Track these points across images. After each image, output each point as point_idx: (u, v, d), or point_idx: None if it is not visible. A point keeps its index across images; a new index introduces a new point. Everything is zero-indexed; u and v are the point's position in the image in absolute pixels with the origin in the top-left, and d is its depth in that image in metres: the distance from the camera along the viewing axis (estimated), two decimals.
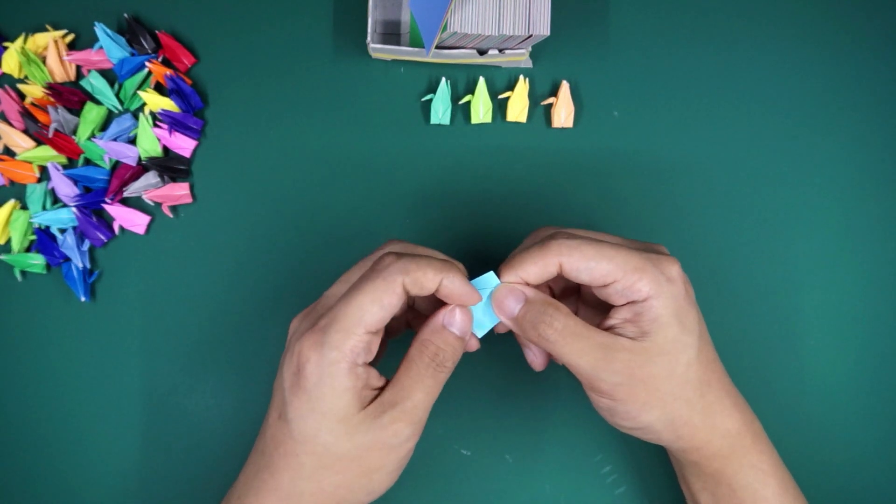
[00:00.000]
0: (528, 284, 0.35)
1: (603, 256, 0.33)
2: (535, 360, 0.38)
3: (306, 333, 0.33)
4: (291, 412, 0.32)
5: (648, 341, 0.34)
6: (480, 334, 0.36)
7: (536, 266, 0.34)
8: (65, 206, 0.45)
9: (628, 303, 0.34)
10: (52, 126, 0.44)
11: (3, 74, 0.45)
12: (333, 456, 0.32)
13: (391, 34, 0.45)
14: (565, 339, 0.34)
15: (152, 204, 0.45)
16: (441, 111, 0.45)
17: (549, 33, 0.39)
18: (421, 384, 0.34)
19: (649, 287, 0.33)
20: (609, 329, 0.35)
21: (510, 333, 0.37)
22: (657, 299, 0.33)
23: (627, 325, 0.34)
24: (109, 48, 0.44)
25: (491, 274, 0.35)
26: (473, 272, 0.44)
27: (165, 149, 0.45)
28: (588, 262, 0.33)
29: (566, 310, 0.35)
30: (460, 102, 0.46)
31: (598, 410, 0.37)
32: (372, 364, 0.34)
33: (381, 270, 0.33)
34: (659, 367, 0.34)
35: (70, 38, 0.45)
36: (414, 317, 0.39)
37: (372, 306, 0.32)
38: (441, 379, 0.34)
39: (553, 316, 0.34)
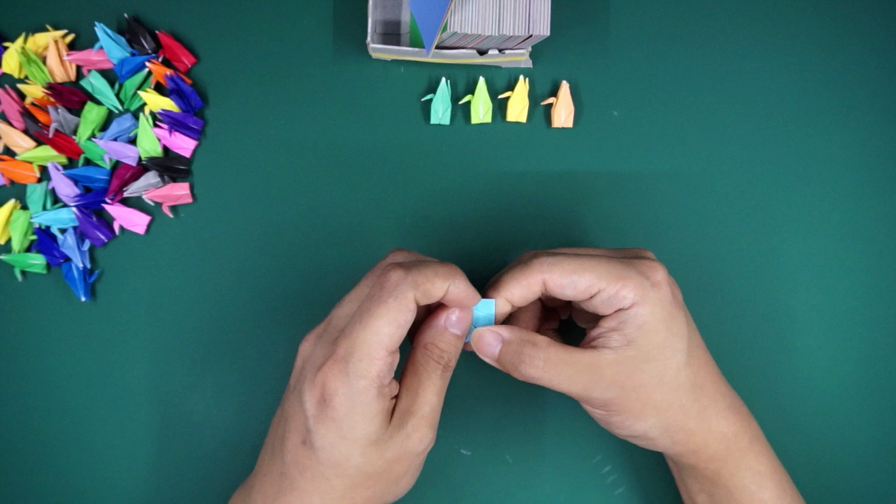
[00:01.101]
0: (513, 305, 0.36)
1: (585, 269, 0.34)
2: None
3: (328, 363, 0.32)
4: (319, 440, 0.32)
5: (633, 349, 0.34)
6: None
7: (520, 286, 0.35)
8: (65, 206, 0.45)
9: (616, 311, 0.34)
10: (53, 126, 0.44)
11: (4, 74, 0.45)
12: (365, 475, 0.33)
13: (391, 34, 0.45)
14: (550, 372, 0.34)
15: (152, 204, 0.45)
16: (441, 111, 0.45)
17: (549, 33, 0.39)
18: (432, 387, 0.34)
19: (634, 293, 0.33)
20: (595, 339, 0.35)
21: None
22: (642, 306, 0.33)
23: (613, 333, 0.34)
24: (110, 48, 0.44)
25: (493, 302, 0.36)
26: (473, 272, 0.44)
27: (165, 149, 0.45)
28: (571, 277, 0.34)
29: (545, 342, 0.34)
30: (460, 102, 0.46)
31: (595, 420, 0.37)
32: None
33: (392, 289, 0.32)
34: (647, 374, 0.34)
35: (70, 38, 0.45)
36: None
37: (389, 328, 0.32)
38: (447, 378, 0.35)
39: (532, 355, 0.34)
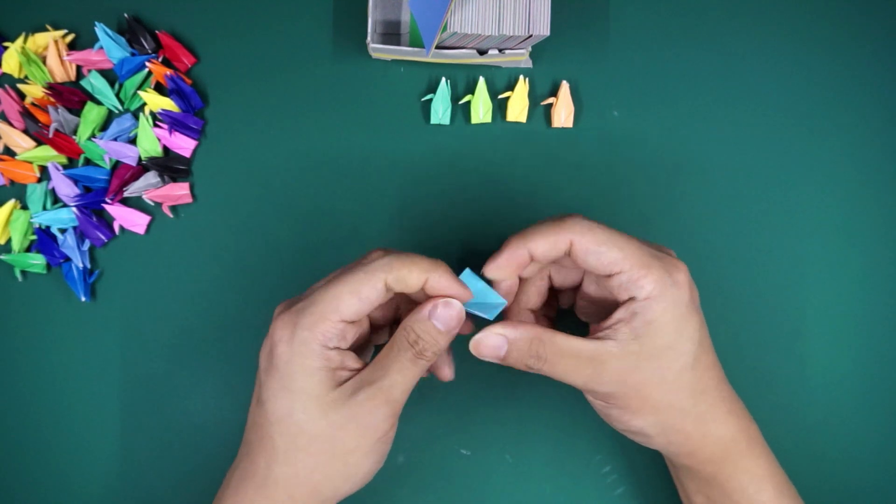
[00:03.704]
0: (532, 259, 0.35)
1: (614, 244, 0.33)
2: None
3: (281, 315, 0.33)
4: (265, 392, 0.33)
5: (637, 344, 0.33)
6: (492, 316, 0.36)
7: (547, 240, 0.34)
8: (65, 206, 0.45)
9: (628, 300, 0.34)
10: (53, 126, 0.44)
11: (4, 74, 0.45)
12: (307, 436, 0.32)
13: (391, 34, 0.45)
14: (554, 364, 0.34)
15: (152, 204, 0.45)
16: (441, 111, 0.45)
17: (549, 33, 0.39)
18: (398, 365, 0.33)
19: (653, 286, 0.33)
20: (602, 329, 0.34)
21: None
22: (658, 302, 0.33)
23: (621, 325, 0.34)
24: (110, 48, 0.44)
25: (467, 271, 0.35)
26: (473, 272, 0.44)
27: (165, 149, 0.45)
28: (599, 247, 0.33)
29: (549, 335, 0.34)
30: (460, 102, 0.46)
31: (594, 409, 0.37)
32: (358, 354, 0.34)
33: (366, 264, 0.33)
34: (649, 372, 0.33)
35: (70, 38, 0.45)
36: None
37: (350, 297, 0.32)
38: (420, 365, 0.34)
39: (540, 350, 0.34)
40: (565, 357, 0.34)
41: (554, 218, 0.35)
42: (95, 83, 0.44)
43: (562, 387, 0.46)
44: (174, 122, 0.44)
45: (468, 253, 0.46)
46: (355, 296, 0.32)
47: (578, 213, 0.35)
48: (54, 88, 0.44)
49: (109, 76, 0.45)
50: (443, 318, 0.34)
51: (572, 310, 0.41)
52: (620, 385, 0.34)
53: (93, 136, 0.45)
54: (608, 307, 0.36)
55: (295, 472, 0.33)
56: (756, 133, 0.47)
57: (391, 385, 0.33)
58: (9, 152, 0.45)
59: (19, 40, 0.45)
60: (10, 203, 0.44)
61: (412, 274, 0.33)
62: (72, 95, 0.44)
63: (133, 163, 0.44)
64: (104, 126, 0.45)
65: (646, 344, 0.33)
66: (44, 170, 0.45)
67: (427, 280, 0.33)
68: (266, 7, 0.46)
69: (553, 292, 0.40)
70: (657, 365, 0.34)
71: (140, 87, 0.45)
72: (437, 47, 0.42)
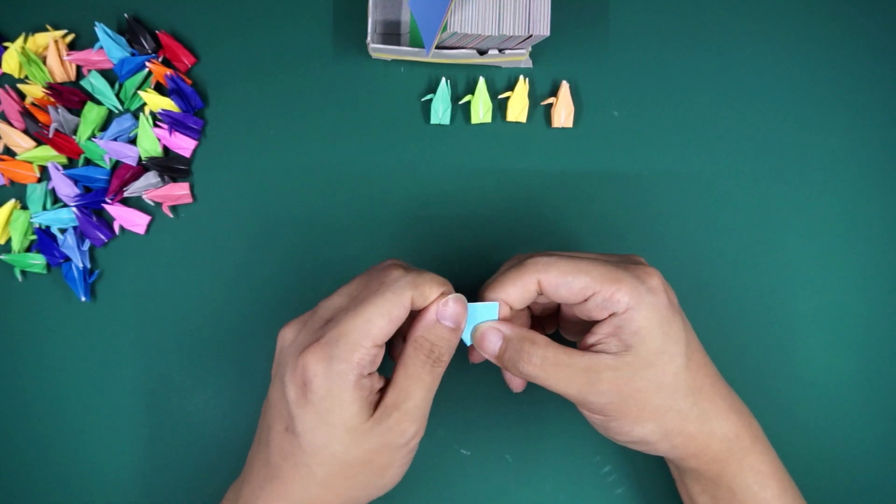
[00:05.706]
0: (510, 309, 0.36)
1: (580, 270, 0.34)
2: (512, 381, 0.39)
3: (310, 346, 0.32)
4: (300, 425, 0.33)
5: (631, 355, 0.33)
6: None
7: (516, 287, 0.35)
8: (65, 205, 0.45)
9: (609, 316, 0.34)
10: (53, 126, 0.44)
11: (4, 74, 0.45)
12: (345, 463, 0.33)
13: (391, 34, 0.45)
14: (547, 371, 0.34)
15: (152, 204, 0.45)
16: (441, 111, 0.45)
17: (549, 33, 0.39)
18: (420, 382, 0.34)
19: (628, 297, 0.33)
20: (592, 346, 0.35)
21: None
22: (637, 311, 0.33)
23: (610, 339, 0.34)
24: (110, 48, 0.44)
25: (496, 305, 0.35)
26: (472, 272, 0.44)
27: (165, 149, 0.45)
28: (565, 277, 0.34)
29: (544, 341, 0.35)
30: (460, 102, 0.46)
31: (593, 426, 0.37)
32: None
33: (391, 284, 0.33)
34: (645, 380, 0.34)
35: (70, 38, 0.45)
36: None
37: (381, 319, 0.32)
38: (438, 373, 0.35)
39: (531, 352, 0.34)
40: (560, 366, 0.34)
41: (514, 264, 0.36)
42: (95, 83, 0.44)
43: None
44: (174, 122, 0.44)
45: (468, 253, 0.46)
46: (386, 318, 0.32)
47: (537, 252, 0.36)
48: (54, 88, 0.44)
49: (109, 76, 0.45)
50: (450, 315, 0.34)
51: (558, 333, 0.42)
52: (616, 395, 0.34)
53: (93, 136, 0.45)
54: (592, 324, 0.36)
55: (334, 492, 0.34)
56: (755, 132, 0.47)
57: (416, 405, 0.34)
58: (9, 152, 0.45)
59: (19, 40, 0.45)
60: (10, 203, 0.44)
61: (431, 290, 0.33)
62: (72, 95, 0.44)
63: (133, 163, 0.44)
64: (104, 126, 0.45)
65: (639, 353, 0.33)
66: (44, 170, 0.45)
67: (440, 294, 0.34)
68: (266, 7, 0.46)
69: (537, 320, 0.41)
70: (653, 371, 0.34)
71: (140, 87, 0.45)
72: (437, 47, 0.42)
